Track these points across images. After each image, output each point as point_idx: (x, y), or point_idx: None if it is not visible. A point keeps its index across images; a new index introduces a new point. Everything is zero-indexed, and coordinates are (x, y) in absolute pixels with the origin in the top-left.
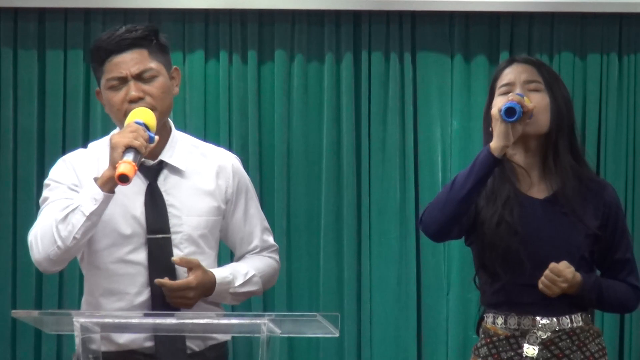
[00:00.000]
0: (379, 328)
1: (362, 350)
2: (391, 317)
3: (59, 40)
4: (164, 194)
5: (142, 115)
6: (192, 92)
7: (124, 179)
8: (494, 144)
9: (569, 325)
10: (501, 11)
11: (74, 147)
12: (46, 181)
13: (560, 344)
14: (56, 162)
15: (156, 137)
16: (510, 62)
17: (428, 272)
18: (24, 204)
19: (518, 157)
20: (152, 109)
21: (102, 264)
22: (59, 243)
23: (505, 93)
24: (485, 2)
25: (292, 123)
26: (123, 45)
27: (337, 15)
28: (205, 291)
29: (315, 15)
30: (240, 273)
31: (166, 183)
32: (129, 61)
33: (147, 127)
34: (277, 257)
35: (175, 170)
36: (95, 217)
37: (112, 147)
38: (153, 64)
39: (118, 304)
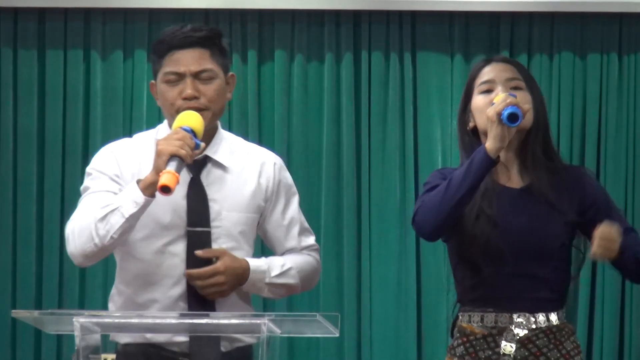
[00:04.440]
0: (379, 328)
1: (362, 350)
2: (391, 317)
3: (59, 40)
4: (206, 188)
5: (191, 120)
6: None
7: (166, 190)
8: (490, 146)
9: (545, 324)
10: (501, 11)
11: (74, 147)
12: (88, 169)
13: (537, 342)
14: (99, 150)
15: (202, 144)
16: (488, 61)
17: (428, 272)
18: (24, 204)
19: None
20: (205, 109)
21: (139, 254)
22: (96, 241)
23: (486, 91)
24: (485, 2)
25: (292, 123)
26: (186, 43)
27: (337, 15)
28: (237, 278)
29: (315, 15)
30: (277, 265)
31: (209, 177)
32: (190, 59)
33: (194, 134)
34: (316, 256)
35: (219, 166)
36: (133, 220)
37: (157, 154)
38: (212, 66)
39: (153, 294)
